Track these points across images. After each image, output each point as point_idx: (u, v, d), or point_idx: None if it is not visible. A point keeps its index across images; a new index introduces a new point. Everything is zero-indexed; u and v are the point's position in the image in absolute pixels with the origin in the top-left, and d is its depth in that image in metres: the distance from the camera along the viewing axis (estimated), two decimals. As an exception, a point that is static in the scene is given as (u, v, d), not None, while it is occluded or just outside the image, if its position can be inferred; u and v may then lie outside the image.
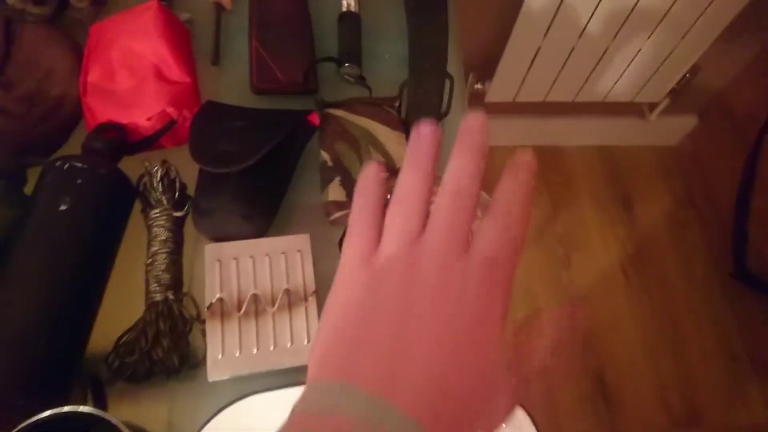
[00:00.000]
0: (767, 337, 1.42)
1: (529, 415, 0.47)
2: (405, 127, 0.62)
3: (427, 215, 0.24)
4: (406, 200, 0.24)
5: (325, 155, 0.59)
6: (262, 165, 0.52)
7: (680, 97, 1.36)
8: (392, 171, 0.58)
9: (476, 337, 0.21)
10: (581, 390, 1.38)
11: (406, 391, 0.20)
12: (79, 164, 0.50)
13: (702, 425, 1.34)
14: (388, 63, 0.69)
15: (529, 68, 1.19)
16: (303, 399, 0.21)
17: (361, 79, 0.66)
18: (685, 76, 1.25)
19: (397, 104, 0.62)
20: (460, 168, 0.24)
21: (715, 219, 1.55)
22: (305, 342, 0.50)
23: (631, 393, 1.38)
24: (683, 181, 1.63)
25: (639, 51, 1.15)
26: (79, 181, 0.49)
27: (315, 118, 0.59)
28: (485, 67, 1.25)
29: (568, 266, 1.51)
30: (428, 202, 0.24)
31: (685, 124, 1.57)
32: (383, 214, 0.25)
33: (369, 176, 0.26)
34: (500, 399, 0.22)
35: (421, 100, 0.62)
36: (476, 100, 1.31)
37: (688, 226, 1.58)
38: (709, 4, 1.04)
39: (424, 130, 0.25)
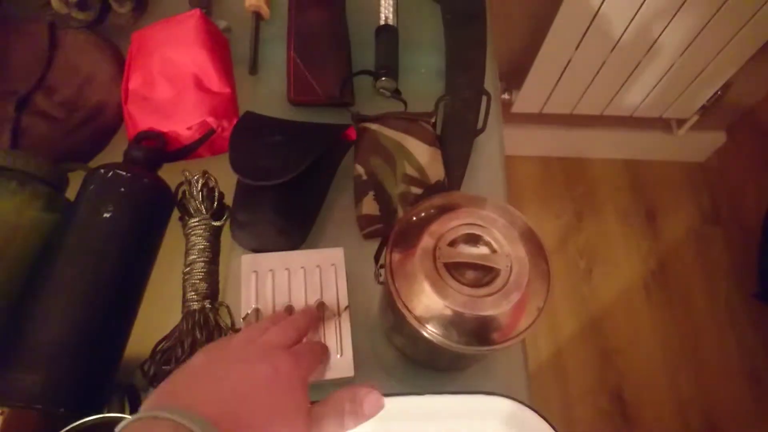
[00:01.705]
0: (790, 359, 1.39)
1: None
2: (440, 143, 0.62)
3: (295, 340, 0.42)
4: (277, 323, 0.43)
5: (359, 169, 0.59)
6: (300, 179, 0.53)
7: (710, 113, 1.34)
8: (427, 187, 0.59)
9: (277, 386, 0.34)
10: (599, 406, 1.36)
11: (207, 406, 0.31)
12: (122, 172, 0.50)
13: (721, 446, 1.33)
14: (425, 77, 0.69)
15: (558, 80, 1.19)
16: (143, 412, 0.30)
17: (396, 93, 0.66)
18: (716, 93, 1.23)
19: (432, 120, 0.62)
20: (301, 315, 0.46)
21: (740, 237, 1.53)
22: (338, 356, 0.50)
23: (649, 410, 1.36)
24: (709, 196, 1.61)
25: (672, 66, 1.13)
26: (122, 189, 0.50)
27: (352, 133, 0.59)
28: (513, 77, 1.25)
29: (589, 280, 1.50)
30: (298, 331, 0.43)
31: (713, 140, 1.55)
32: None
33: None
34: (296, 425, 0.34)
35: (457, 116, 0.62)
36: (502, 110, 1.30)
37: (712, 243, 1.55)
38: (746, 22, 1.02)
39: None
